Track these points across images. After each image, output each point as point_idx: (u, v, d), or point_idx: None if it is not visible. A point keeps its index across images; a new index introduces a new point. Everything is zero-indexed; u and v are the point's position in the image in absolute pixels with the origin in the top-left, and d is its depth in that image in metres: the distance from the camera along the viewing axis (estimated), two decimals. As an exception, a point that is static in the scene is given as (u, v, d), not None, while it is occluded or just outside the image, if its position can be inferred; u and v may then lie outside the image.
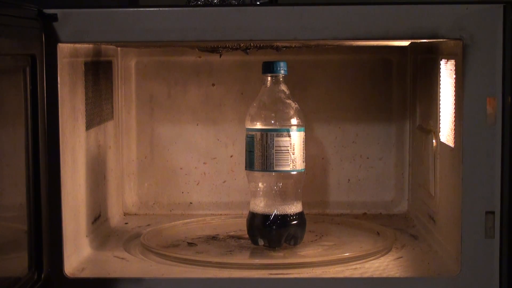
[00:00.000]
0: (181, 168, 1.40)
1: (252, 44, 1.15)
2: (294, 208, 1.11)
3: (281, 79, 1.13)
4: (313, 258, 1.06)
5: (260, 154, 1.10)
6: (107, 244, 1.16)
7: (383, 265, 1.04)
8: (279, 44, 1.17)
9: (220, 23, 0.95)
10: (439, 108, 1.12)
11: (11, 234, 0.87)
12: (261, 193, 1.11)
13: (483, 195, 0.94)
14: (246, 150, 1.13)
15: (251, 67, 1.36)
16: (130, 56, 1.37)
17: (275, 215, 1.10)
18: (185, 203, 1.40)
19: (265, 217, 1.10)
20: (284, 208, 1.10)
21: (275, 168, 1.10)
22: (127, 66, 1.37)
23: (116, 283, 0.97)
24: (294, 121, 1.10)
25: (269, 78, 1.13)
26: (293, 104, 1.12)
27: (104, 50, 1.24)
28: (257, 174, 1.11)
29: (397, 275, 1.00)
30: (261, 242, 1.11)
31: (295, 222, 1.10)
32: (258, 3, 1.09)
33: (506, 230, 0.94)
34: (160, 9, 0.95)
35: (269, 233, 1.10)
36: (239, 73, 1.38)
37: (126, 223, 1.32)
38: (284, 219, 1.10)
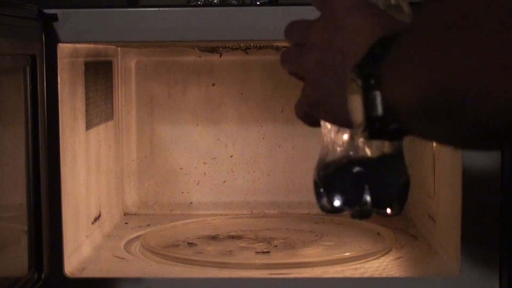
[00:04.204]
0: (181, 168, 1.40)
1: (252, 44, 1.15)
2: None
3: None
4: (313, 258, 1.06)
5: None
6: (107, 244, 1.16)
7: (383, 265, 1.04)
8: (279, 44, 1.17)
9: (220, 23, 0.95)
10: (439, 108, 1.12)
11: (11, 234, 0.87)
12: None
13: (483, 195, 0.94)
14: None
15: (251, 67, 1.36)
16: (130, 56, 1.37)
17: None
18: (185, 203, 1.40)
19: None
20: None
21: None
22: (127, 66, 1.37)
23: (116, 283, 0.97)
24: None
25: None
26: None
27: (104, 50, 1.24)
28: None
29: (397, 275, 1.00)
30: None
31: None
32: (258, 3, 1.09)
33: (506, 230, 0.94)
34: (160, 9, 0.95)
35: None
36: (239, 73, 1.38)
37: (126, 223, 1.32)
38: None
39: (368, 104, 0.51)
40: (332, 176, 0.62)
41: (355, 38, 0.56)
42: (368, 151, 0.62)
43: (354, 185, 0.61)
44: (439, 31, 0.43)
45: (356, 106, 0.52)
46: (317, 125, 0.66)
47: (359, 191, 0.61)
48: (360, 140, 0.62)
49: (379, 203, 0.61)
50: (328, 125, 0.65)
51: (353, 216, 0.63)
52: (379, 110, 0.50)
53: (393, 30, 0.52)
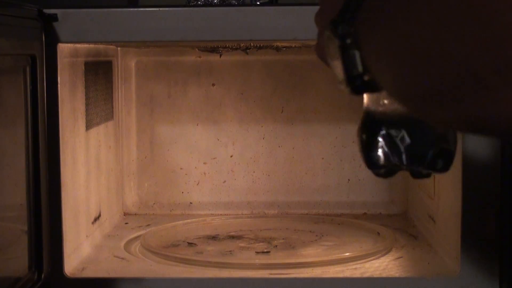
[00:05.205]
0: (181, 168, 1.40)
1: (252, 44, 1.15)
2: None
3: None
4: (313, 258, 1.06)
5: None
6: (107, 244, 1.16)
7: (383, 265, 1.04)
8: (279, 44, 1.17)
9: (220, 23, 0.95)
10: (439, 108, 1.12)
11: (11, 234, 0.87)
12: None
13: (483, 195, 0.94)
14: None
15: (251, 67, 1.36)
16: (130, 56, 1.37)
17: None
18: (185, 203, 1.40)
19: None
20: None
21: None
22: (127, 66, 1.37)
23: (116, 283, 0.97)
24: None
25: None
26: None
27: (104, 50, 1.24)
28: None
29: (397, 275, 1.00)
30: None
31: None
32: (258, 3, 1.09)
33: (506, 230, 0.94)
34: (160, 9, 0.95)
35: None
36: (239, 73, 1.38)
37: (126, 223, 1.32)
38: None
39: (347, 63, 0.49)
40: (370, 135, 0.61)
41: None
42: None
43: (392, 144, 0.60)
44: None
45: (336, 64, 0.51)
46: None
47: (396, 151, 0.60)
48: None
49: (413, 163, 0.60)
50: None
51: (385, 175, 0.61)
52: (359, 68, 0.49)
53: None
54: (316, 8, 0.60)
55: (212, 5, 1.08)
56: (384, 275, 1.00)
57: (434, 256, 1.08)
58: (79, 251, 1.06)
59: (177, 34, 0.95)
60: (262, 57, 1.30)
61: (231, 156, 1.39)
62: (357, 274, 1.00)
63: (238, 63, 1.37)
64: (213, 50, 1.26)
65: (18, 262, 0.89)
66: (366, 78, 0.49)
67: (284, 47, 1.22)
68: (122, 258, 1.09)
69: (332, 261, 1.04)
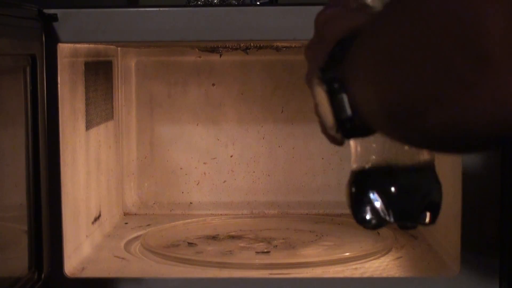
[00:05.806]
0: (181, 168, 1.40)
1: (252, 44, 1.15)
2: None
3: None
4: (313, 258, 1.06)
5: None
6: (107, 244, 1.16)
7: (383, 265, 1.04)
8: (279, 44, 1.17)
9: (220, 23, 0.95)
10: (439, 108, 1.12)
11: (11, 234, 0.87)
12: None
13: (483, 196, 0.94)
14: None
15: (251, 67, 1.36)
16: (130, 56, 1.37)
17: None
18: (185, 203, 1.40)
19: None
20: None
21: None
22: (127, 66, 1.37)
23: (116, 283, 0.97)
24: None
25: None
26: None
27: (104, 50, 1.24)
28: None
29: (397, 275, 1.00)
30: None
31: None
32: (258, 3, 1.09)
33: (506, 230, 0.94)
34: (160, 9, 0.95)
35: None
36: (239, 73, 1.38)
37: (126, 223, 1.32)
38: None
39: (336, 108, 0.52)
40: (359, 192, 0.64)
41: (321, 47, 0.56)
42: (392, 160, 0.62)
43: (380, 200, 0.62)
44: (392, 40, 0.44)
45: (325, 110, 0.53)
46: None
47: (384, 207, 0.62)
48: (382, 149, 0.62)
49: (400, 218, 0.63)
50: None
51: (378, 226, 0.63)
52: (348, 111, 0.51)
53: (353, 30, 0.51)
54: (316, 8, 0.60)
55: (212, 5, 1.08)
56: (384, 275, 1.00)
57: (434, 256, 1.08)
58: (79, 251, 1.06)
59: (177, 34, 0.95)
60: (262, 57, 1.30)
61: (231, 156, 1.39)
62: (357, 274, 1.00)
63: (238, 63, 1.37)
64: (213, 50, 1.26)
65: (18, 262, 0.89)
66: (355, 121, 0.51)
67: (284, 47, 1.22)
68: (122, 258, 1.09)
69: (332, 261, 1.04)
